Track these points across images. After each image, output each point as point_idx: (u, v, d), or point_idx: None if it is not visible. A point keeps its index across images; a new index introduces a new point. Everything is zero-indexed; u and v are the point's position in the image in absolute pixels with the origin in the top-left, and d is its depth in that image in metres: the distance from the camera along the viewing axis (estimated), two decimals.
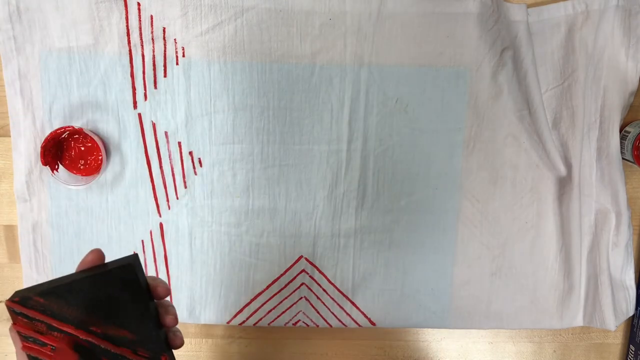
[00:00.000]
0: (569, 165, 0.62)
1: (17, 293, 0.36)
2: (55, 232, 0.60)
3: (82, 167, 0.59)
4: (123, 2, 0.56)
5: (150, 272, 0.62)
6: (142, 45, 0.57)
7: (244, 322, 0.64)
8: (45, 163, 0.56)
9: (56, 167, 0.58)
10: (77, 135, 0.58)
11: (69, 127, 0.56)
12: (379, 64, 0.59)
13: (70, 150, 0.58)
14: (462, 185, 0.62)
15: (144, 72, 0.58)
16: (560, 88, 0.61)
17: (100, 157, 0.58)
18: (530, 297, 0.65)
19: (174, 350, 0.40)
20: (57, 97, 0.57)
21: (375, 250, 0.63)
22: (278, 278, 0.63)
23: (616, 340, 0.69)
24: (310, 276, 0.64)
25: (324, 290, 0.64)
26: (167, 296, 0.39)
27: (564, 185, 0.63)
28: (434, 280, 0.64)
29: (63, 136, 0.58)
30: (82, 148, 0.58)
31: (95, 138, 0.57)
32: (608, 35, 0.58)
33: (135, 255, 0.37)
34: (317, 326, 0.65)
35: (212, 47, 0.57)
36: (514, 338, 0.69)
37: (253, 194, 0.61)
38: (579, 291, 0.65)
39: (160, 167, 0.60)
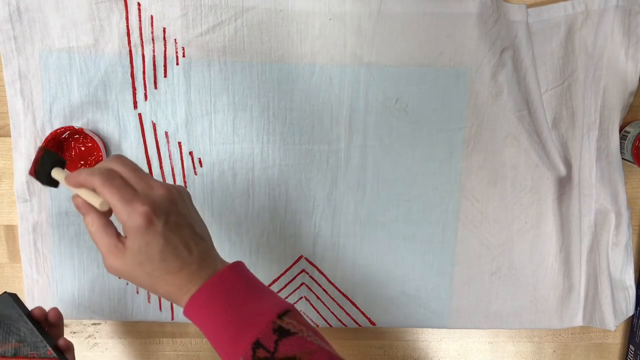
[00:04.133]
0: (568, 165, 0.62)
1: None
2: (56, 232, 0.60)
3: (82, 167, 0.59)
4: (123, 3, 0.56)
5: None
6: (142, 46, 0.57)
7: None
8: None
9: None
10: (77, 136, 0.58)
11: (69, 127, 0.56)
12: (379, 64, 0.59)
13: (71, 151, 0.58)
14: (462, 185, 0.62)
15: (144, 72, 0.58)
16: (560, 88, 0.61)
17: (100, 157, 0.58)
18: (530, 297, 0.65)
19: None
20: (57, 97, 0.57)
21: (375, 249, 0.63)
22: (278, 278, 0.64)
23: (616, 340, 0.69)
24: (310, 276, 0.64)
25: (324, 290, 0.64)
26: (43, 314, 0.54)
27: (563, 185, 0.63)
28: (434, 280, 0.64)
29: (63, 136, 0.58)
30: (82, 148, 0.58)
31: (96, 138, 0.57)
32: (608, 36, 0.58)
33: (8, 295, 0.52)
34: (317, 326, 0.65)
35: (212, 47, 0.57)
36: (514, 338, 0.69)
37: (253, 194, 0.61)
38: (578, 291, 0.65)
39: (161, 167, 0.60)
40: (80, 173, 0.42)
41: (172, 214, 0.43)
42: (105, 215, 0.43)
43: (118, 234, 0.43)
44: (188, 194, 0.46)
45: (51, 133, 0.56)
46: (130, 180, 0.42)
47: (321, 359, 0.40)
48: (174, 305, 0.63)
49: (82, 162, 0.59)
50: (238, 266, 0.45)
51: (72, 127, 0.56)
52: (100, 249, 0.42)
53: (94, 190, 0.42)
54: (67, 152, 0.58)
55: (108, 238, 0.42)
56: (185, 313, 0.43)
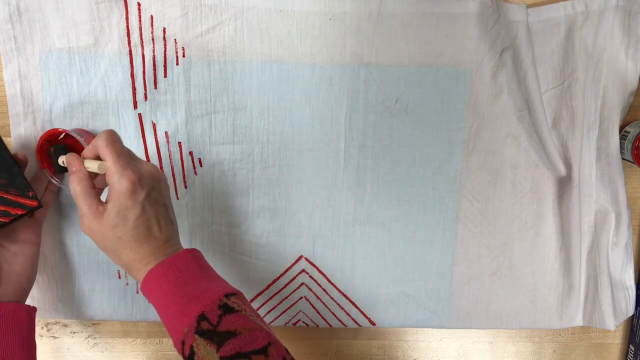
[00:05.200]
0: (568, 165, 0.62)
1: None
2: (56, 232, 0.60)
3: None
4: (123, 2, 0.56)
5: None
6: (142, 46, 0.57)
7: None
8: (44, 165, 0.56)
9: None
10: (62, 136, 0.57)
11: (60, 129, 0.56)
12: (379, 64, 0.59)
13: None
14: (461, 185, 0.62)
15: (144, 72, 0.58)
16: (560, 88, 0.61)
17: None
18: (530, 297, 0.65)
19: None
20: (57, 97, 0.57)
21: (375, 249, 0.63)
22: (278, 278, 0.64)
23: (616, 340, 0.69)
24: (310, 276, 0.64)
25: (324, 290, 0.64)
26: (25, 161, 0.54)
27: (563, 185, 0.63)
28: (434, 280, 0.64)
29: (60, 137, 0.57)
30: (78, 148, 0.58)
31: (80, 140, 0.56)
32: (608, 35, 0.58)
33: None
34: (317, 326, 0.65)
35: (212, 47, 0.57)
36: (514, 338, 0.69)
37: (253, 194, 0.61)
38: (578, 291, 0.65)
39: (161, 167, 0.60)
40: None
41: (154, 190, 0.48)
42: (92, 179, 0.48)
43: (99, 199, 0.48)
44: (168, 184, 0.52)
45: (42, 136, 0.55)
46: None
47: (260, 336, 0.44)
48: None
49: None
50: (196, 252, 0.49)
51: (62, 129, 0.56)
52: (82, 208, 0.47)
53: (96, 157, 0.48)
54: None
55: (91, 199, 0.47)
56: (142, 286, 0.47)
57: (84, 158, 0.49)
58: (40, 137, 0.56)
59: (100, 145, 0.47)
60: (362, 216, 0.62)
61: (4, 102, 0.58)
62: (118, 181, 0.46)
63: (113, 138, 0.48)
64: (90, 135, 0.57)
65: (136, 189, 0.46)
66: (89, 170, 0.48)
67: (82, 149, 0.58)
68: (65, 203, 0.60)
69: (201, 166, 0.60)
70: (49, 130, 0.56)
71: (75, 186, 0.48)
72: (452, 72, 0.59)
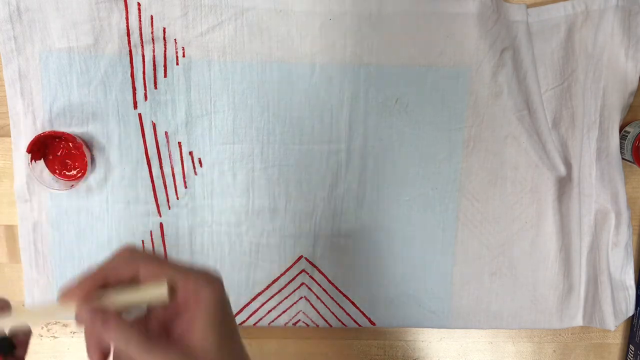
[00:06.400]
0: (568, 165, 0.62)
1: None
2: (56, 232, 0.60)
3: (70, 167, 0.59)
4: (123, 3, 0.56)
5: None
6: (142, 46, 0.57)
7: (244, 322, 0.64)
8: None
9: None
10: (58, 139, 0.58)
11: (52, 132, 0.56)
12: (379, 64, 0.59)
13: (57, 151, 0.58)
14: (461, 185, 0.62)
15: (144, 73, 0.58)
16: (560, 88, 0.61)
17: (85, 160, 0.58)
18: (530, 297, 0.65)
19: None
20: (57, 97, 0.57)
21: (375, 250, 0.63)
22: (278, 278, 0.64)
23: (616, 340, 0.69)
24: (310, 276, 0.64)
25: (324, 290, 0.64)
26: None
27: (563, 185, 0.63)
28: (434, 280, 0.64)
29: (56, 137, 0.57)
30: (70, 145, 0.58)
31: (82, 144, 0.56)
32: (608, 36, 0.58)
33: None
34: (317, 326, 0.65)
35: (212, 47, 0.57)
36: (514, 338, 0.69)
37: (253, 194, 0.61)
38: (578, 291, 0.65)
39: (161, 167, 0.60)
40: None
41: None
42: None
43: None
44: None
45: (33, 139, 0.56)
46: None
47: None
48: None
49: (69, 161, 0.59)
50: None
51: (54, 131, 0.56)
52: (157, 355, 0.32)
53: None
54: (53, 152, 0.58)
55: (155, 338, 0.33)
56: None
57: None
58: (32, 140, 0.56)
59: (152, 268, 0.33)
60: (362, 216, 0.62)
61: (4, 102, 0.58)
62: (209, 283, 0.33)
63: (150, 254, 0.34)
64: (76, 139, 0.57)
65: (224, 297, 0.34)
66: (133, 302, 0.33)
67: (73, 147, 0.58)
68: (67, 205, 0.60)
69: (201, 166, 0.60)
70: (42, 133, 0.56)
71: (126, 335, 0.32)
72: (452, 72, 0.59)
